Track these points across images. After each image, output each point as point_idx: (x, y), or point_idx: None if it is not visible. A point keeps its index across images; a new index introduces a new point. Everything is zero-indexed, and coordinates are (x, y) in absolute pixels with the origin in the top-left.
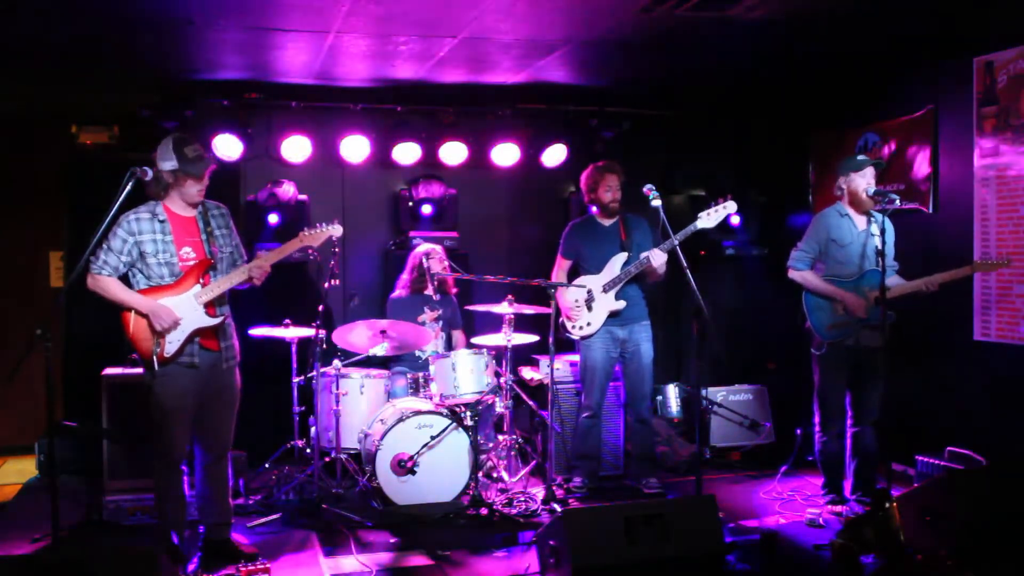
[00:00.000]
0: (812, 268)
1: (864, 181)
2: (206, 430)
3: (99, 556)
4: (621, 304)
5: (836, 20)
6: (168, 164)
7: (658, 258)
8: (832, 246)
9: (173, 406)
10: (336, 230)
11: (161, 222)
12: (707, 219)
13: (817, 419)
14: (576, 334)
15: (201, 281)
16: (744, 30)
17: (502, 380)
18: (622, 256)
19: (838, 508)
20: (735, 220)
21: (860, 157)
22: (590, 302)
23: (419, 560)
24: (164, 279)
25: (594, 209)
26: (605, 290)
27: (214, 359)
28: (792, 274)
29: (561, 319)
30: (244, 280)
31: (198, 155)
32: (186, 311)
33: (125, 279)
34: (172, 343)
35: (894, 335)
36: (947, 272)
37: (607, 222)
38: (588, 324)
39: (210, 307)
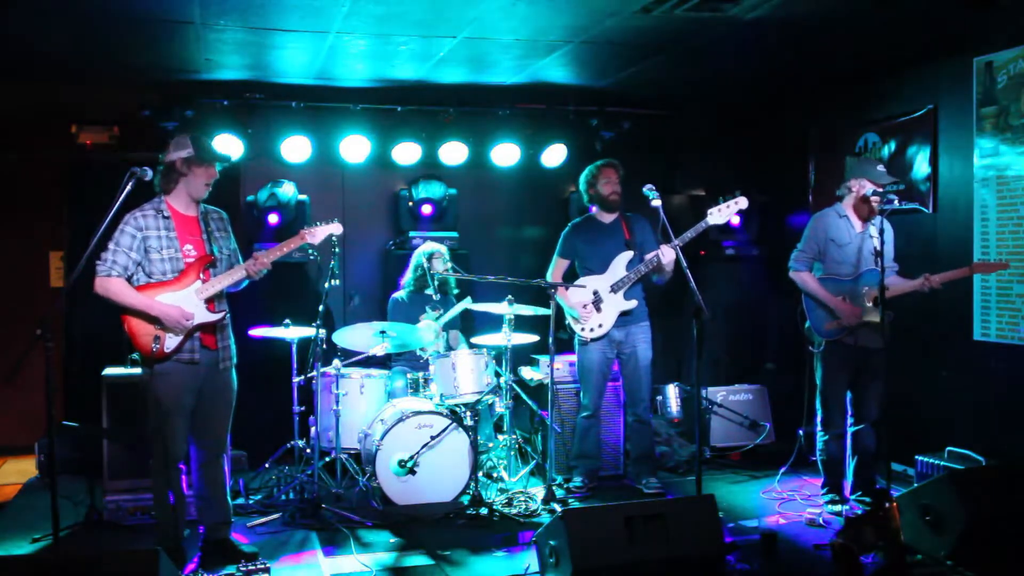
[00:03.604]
0: (811, 269)
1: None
2: (202, 430)
3: (99, 556)
4: (632, 303)
5: (836, 20)
6: (183, 152)
7: (667, 255)
8: (831, 246)
9: (172, 404)
10: (336, 228)
11: (166, 218)
12: (718, 215)
13: (819, 419)
14: (587, 336)
15: (202, 277)
16: (744, 30)
17: (502, 380)
18: (627, 255)
19: (838, 508)
20: (735, 220)
21: (880, 167)
22: (598, 303)
23: (419, 560)
24: (166, 275)
25: (593, 208)
26: (613, 291)
27: (212, 358)
28: (792, 275)
29: (567, 321)
30: (242, 277)
31: (213, 147)
32: (188, 307)
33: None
34: (172, 339)
35: (893, 334)
36: (945, 273)
37: (607, 219)
38: (600, 326)
39: (210, 303)
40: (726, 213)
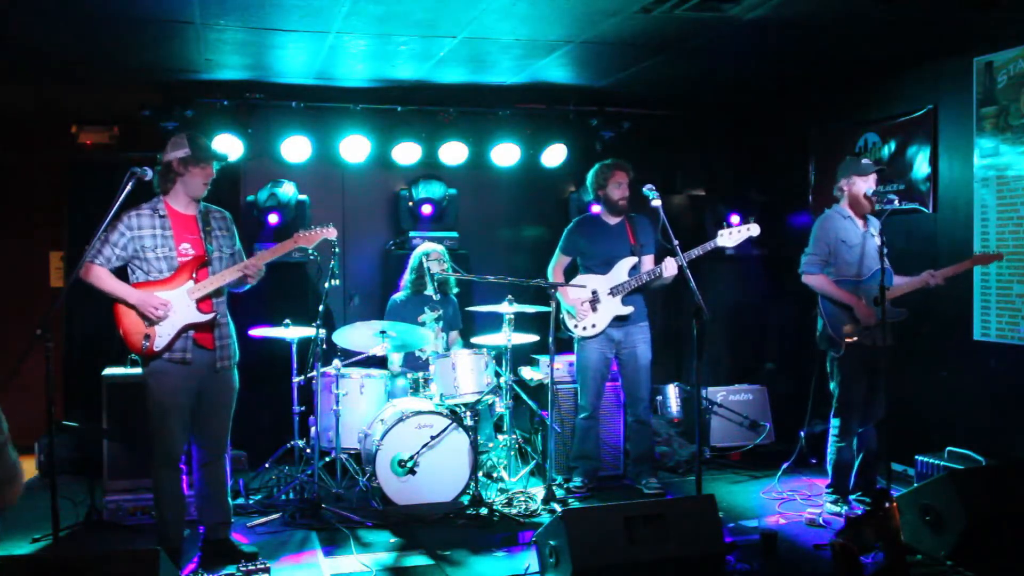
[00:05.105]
0: (823, 271)
1: (866, 185)
2: (202, 430)
3: (99, 556)
4: (629, 309)
5: (836, 20)
6: (180, 152)
7: (670, 269)
8: (842, 247)
9: (168, 404)
10: (330, 232)
11: (162, 217)
12: (728, 238)
13: (838, 425)
14: (579, 334)
15: (194, 276)
16: (744, 30)
17: (502, 380)
18: (631, 261)
19: (838, 508)
20: (735, 220)
21: (864, 161)
22: (595, 303)
23: (419, 560)
24: (163, 273)
25: (596, 208)
26: (612, 294)
27: (209, 358)
28: (806, 279)
29: (562, 315)
30: (239, 278)
31: (209, 146)
32: (178, 306)
33: (124, 275)
34: (162, 337)
35: (906, 333)
36: (950, 267)
37: (613, 221)
38: (593, 326)
39: (205, 303)
40: (736, 238)
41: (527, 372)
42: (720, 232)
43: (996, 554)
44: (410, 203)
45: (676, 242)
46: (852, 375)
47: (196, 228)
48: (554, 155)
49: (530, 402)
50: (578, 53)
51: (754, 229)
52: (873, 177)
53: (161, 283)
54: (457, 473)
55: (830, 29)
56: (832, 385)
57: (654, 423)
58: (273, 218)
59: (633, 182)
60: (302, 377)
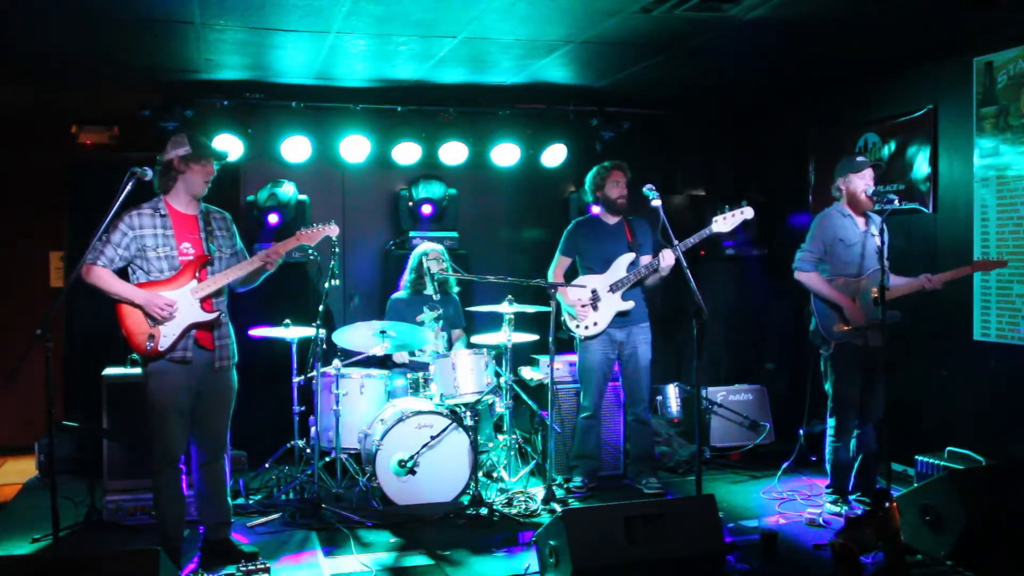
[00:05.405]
0: (817, 269)
1: (863, 183)
2: (202, 430)
3: (99, 556)
4: (629, 304)
5: (836, 20)
6: (180, 150)
7: (667, 259)
8: (839, 245)
9: (168, 403)
10: (333, 229)
11: (162, 216)
12: (722, 224)
13: (833, 424)
14: (582, 334)
15: (197, 276)
16: (744, 30)
17: (502, 380)
18: (629, 257)
19: (838, 508)
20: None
21: (859, 158)
22: (596, 302)
23: (419, 560)
24: (164, 273)
25: (596, 209)
26: (612, 290)
27: (208, 357)
28: (798, 275)
29: (563, 317)
30: (251, 272)
31: (209, 144)
32: (182, 306)
33: (124, 275)
34: (167, 337)
35: (900, 335)
36: (949, 271)
37: (611, 220)
38: (595, 324)
39: (207, 303)
40: (731, 223)
41: (527, 372)
42: (715, 219)
43: (996, 554)
44: (410, 203)
45: (676, 241)
46: (844, 374)
47: (197, 228)
48: (554, 155)
49: (530, 402)
50: (578, 53)
51: (748, 212)
52: (869, 174)
53: (164, 283)
54: (457, 473)
55: (830, 29)
56: (827, 384)
57: (654, 423)
58: (273, 218)
59: (632, 182)
60: (302, 377)
